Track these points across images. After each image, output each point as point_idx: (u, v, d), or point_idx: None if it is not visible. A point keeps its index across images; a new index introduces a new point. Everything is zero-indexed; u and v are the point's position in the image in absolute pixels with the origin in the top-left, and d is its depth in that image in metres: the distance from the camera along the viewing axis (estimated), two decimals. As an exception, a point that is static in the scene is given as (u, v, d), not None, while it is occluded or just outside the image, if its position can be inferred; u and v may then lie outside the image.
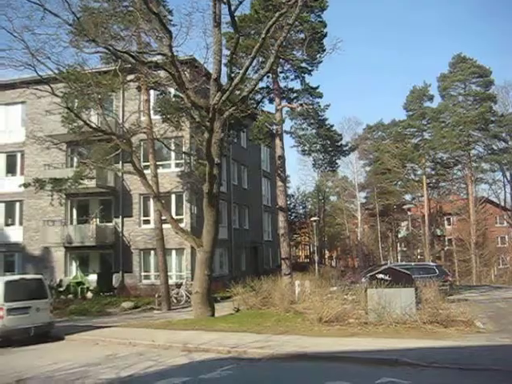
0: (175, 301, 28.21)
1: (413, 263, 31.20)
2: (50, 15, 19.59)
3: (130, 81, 26.31)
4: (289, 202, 69.93)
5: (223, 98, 17.72)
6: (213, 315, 20.75)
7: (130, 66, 24.77)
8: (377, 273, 17.61)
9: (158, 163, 28.34)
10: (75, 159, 34.50)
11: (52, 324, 18.13)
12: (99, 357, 13.73)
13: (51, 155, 34.34)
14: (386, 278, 16.85)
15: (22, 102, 36.12)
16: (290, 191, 70.70)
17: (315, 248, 51.95)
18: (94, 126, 23.46)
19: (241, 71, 19.17)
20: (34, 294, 17.56)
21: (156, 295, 27.12)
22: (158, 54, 17.32)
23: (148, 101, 26.22)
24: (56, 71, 22.32)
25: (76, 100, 25.65)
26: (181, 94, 19.96)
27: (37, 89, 23.11)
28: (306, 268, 39.82)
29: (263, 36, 17.77)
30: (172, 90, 28.91)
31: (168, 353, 13.91)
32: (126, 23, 23.05)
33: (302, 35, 27.25)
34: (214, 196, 19.72)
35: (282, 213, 29.14)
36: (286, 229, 28.73)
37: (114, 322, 21.34)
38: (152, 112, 27.60)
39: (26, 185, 26.85)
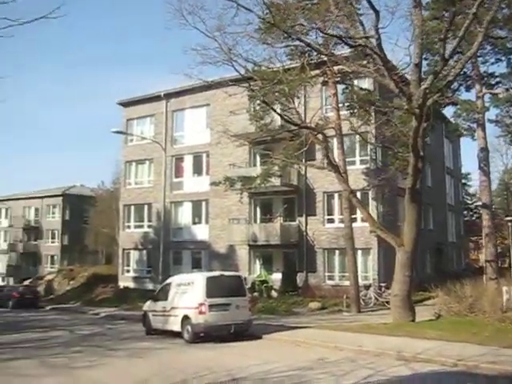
0: (363, 303, 26.91)
1: None
2: (241, 13, 19.75)
3: (317, 75, 25.53)
4: (470, 202, 65.20)
5: (428, 82, 16.15)
6: (413, 320, 19.17)
7: (314, 61, 24.19)
8: None
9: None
10: (258, 158, 34.71)
11: (250, 322, 17.87)
12: (308, 360, 12.93)
13: (235, 155, 35.00)
14: None
15: (207, 105, 37.35)
16: (471, 190, 65.90)
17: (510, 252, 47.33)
18: (288, 119, 22.96)
19: (446, 53, 17.34)
20: (233, 291, 17.46)
21: (344, 296, 26.06)
22: (364, 37, 16.23)
23: (336, 95, 25.28)
24: (245, 69, 22.33)
25: (261, 98, 25.42)
26: (381, 83, 18.53)
27: (235, 84, 23.16)
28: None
29: (474, 11, 15.90)
30: (357, 83, 27.84)
31: (381, 361, 12.69)
32: (312, 15, 22.33)
33: (506, 10, 24.51)
34: (417, 191, 18.21)
35: (485, 210, 26.60)
36: (490, 228, 26.17)
37: (306, 323, 20.66)
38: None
39: (216, 183, 27.35)
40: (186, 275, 20.06)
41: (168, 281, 19.87)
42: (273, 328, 19.19)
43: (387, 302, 26.19)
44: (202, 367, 12.52)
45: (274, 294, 31.68)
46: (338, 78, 25.87)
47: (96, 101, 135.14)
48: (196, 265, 36.39)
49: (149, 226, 39.78)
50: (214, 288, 17.03)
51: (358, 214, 29.56)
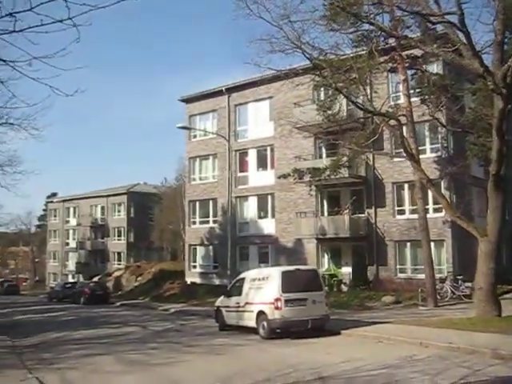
0: (439, 297, 25.83)
1: None
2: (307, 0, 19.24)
3: (385, 62, 24.60)
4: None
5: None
6: (499, 315, 18.07)
7: (381, 47, 23.29)
8: None
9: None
10: (324, 150, 34.01)
11: (327, 317, 17.30)
12: (396, 358, 12.22)
13: (300, 148, 34.49)
14: None
15: (270, 98, 36.91)
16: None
17: None
18: (361, 107, 22.24)
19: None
20: (309, 286, 16.95)
21: (419, 290, 25.07)
22: (446, 13, 15.34)
23: (406, 81, 24.30)
24: (312, 58, 21.75)
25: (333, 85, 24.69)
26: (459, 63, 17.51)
27: (303, 73, 22.62)
28: None
29: None
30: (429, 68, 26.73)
31: (476, 359, 11.83)
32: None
33: None
34: (501, 178, 17.17)
35: None
36: None
37: (383, 318, 19.87)
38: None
39: (285, 175, 26.90)
40: (260, 270, 19.66)
41: (241, 276, 19.52)
42: (349, 323, 18.56)
43: (465, 296, 25.19)
44: (284, 364, 12.05)
45: (343, 288, 31.02)
46: (407, 64, 24.86)
47: (156, 99, 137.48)
48: (263, 259, 36.08)
49: (214, 222, 39.77)
50: (290, 283, 16.55)
51: (430, 205, 28.58)
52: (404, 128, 25.50)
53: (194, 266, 41.24)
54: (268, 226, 36.32)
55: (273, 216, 36.23)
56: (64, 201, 76.41)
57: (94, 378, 11.74)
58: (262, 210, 37.25)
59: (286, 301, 16.30)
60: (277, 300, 16.27)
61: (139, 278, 49.86)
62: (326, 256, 33.84)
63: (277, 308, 16.26)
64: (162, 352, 15.03)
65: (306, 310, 16.53)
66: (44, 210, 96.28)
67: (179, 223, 53.58)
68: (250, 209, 37.80)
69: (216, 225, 39.44)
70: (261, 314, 16.75)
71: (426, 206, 27.09)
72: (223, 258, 37.54)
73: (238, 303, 18.21)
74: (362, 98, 23.50)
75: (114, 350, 15.80)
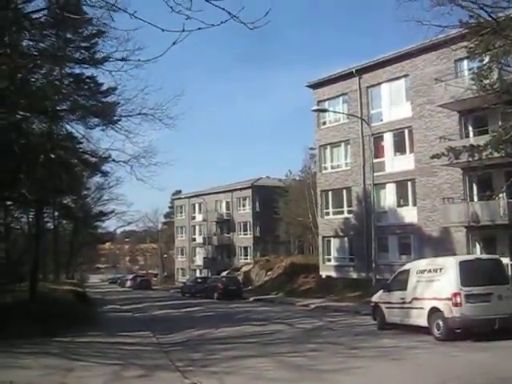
0: None
1: None
2: None
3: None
4: None
5: None
6: None
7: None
8: None
9: None
10: (470, 128, 30.60)
11: (516, 315, 14.60)
12: None
13: (442, 128, 31.41)
14: None
15: (405, 76, 34.14)
16: None
17: None
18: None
19: None
20: (492, 278, 14.42)
21: None
22: None
23: None
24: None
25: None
26: None
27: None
28: None
29: None
30: None
31: None
32: None
33: None
34: None
35: None
36: None
37: None
38: None
39: (438, 156, 24.17)
40: (430, 260, 17.20)
41: (405, 267, 17.23)
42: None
43: None
44: (494, 377, 9.66)
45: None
46: None
47: (276, 93, 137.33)
48: (404, 250, 33.36)
49: (349, 212, 37.48)
50: (470, 274, 14.13)
51: None
52: None
53: (329, 259, 39.23)
54: (409, 215, 33.45)
55: (414, 203, 33.31)
56: (190, 197, 77.51)
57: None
58: (402, 198, 34.42)
59: (467, 296, 13.90)
60: (455, 295, 13.90)
61: (269, 273, 48.77)
62: (477, 246, 30.38)
63: (455, 304, 13.89)
64: (326, 355, 13.15)
65: (492, 306, 14.00)
66: (170, 208, 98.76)
67: (307, 215, 51.83)
68: (388, 197, 35.05)
69: (351, 215, 37.17)
70: (434, 311, 14.46)
71: None
72: (360, 250, 35.47)
73: (402, 299, 16.00)
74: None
75: (268, 351, 14.17)
